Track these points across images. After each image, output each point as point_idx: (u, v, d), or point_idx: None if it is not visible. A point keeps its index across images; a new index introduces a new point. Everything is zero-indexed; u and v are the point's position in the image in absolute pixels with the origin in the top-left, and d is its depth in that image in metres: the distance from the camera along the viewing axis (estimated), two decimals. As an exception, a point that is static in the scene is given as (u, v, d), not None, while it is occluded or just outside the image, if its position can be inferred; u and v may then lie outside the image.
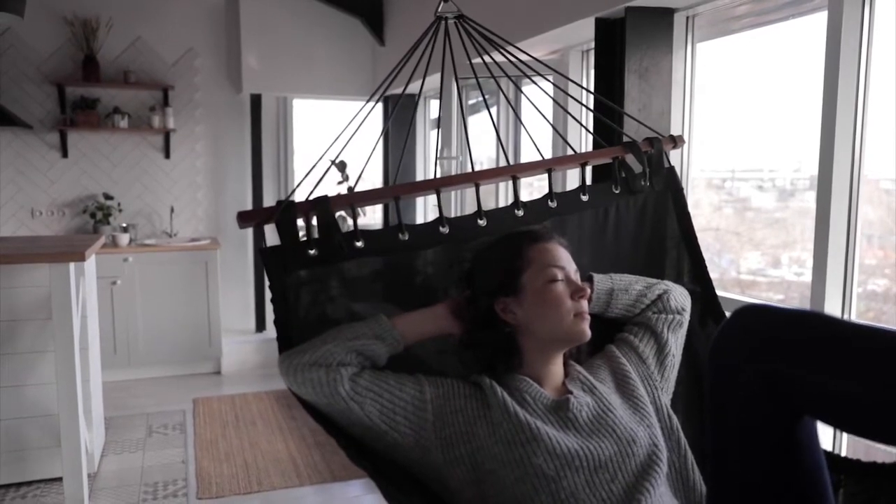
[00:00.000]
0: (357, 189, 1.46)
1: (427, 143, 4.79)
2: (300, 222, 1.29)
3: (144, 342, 4.44)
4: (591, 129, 1.75)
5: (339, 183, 4.39)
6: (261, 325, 5.05)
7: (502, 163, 3.42)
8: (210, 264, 4.55)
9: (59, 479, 2.85)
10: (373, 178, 5.09)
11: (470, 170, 1.48)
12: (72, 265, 2.71)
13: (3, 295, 2.79)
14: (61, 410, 2.71)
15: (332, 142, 1.43)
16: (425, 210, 4.64)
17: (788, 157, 2.12)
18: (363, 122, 1.43)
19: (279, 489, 2.99)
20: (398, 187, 1.40)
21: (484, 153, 3.90)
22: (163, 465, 3.22)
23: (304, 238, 1.28)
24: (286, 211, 1.26)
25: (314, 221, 1.29)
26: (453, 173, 3.42)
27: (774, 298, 2.19)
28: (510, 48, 1.54)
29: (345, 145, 1.40)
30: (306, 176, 1.39)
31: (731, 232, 2.36)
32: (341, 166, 4.47)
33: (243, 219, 1.28)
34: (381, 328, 1.19)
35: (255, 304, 5.06)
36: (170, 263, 4.48)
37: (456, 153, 3.74)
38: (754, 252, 2.28)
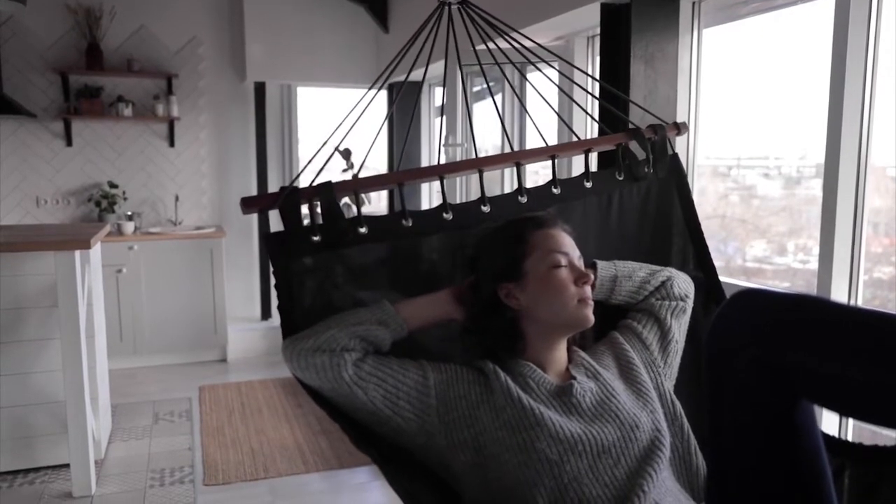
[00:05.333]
0: (361, 176, 1.46)
1: (431, 131, 4.78)
2: (304, 209, 1.29)
3: (150, 330, 4.46)
4: (596, 116, 1.74)
5: (344, 171, 4.38)
6: (266, 313, 5.06)
7: (507, 150, 3.40)
8: (215, 252, 4.56)
9: (67, 466, 2.88)
10: (377, 166, 5.08)
11: (475, 157, 1.48)
12: (77, 253, 2.71)
13: (8, 283, 2.80)
14: (68, 397, 2.72)
15: (335, 129, 1.43)
16: (430, 197, 4.63)
17: (794, 145, 2.11)
18: (365, 109, 1.43)
19: (285, 476, 3.01)
20: (402, 173, 1.40)
21: (489, 141, 3.89)
22: (169, 451, 3.25)
23: (308, 224, 1.28)
24: (290, 197, 1.26)
25: (318, 208, 1.29)
26: (459, 160, 3.41)
27: (780, 286, 2.19)
28: (514, 34, 1.52)
29: (347, 132, 1.40)
30: (309, 162, 1.39)
31: (737, 219, 2.35)
32: (346, 154, 4.46)
33: (247, 204, 1.28)
34: (384, 314, 1.20)
35: (261, 291, 5.07)
36: (175, 251, 4.49)
37: (461, 140, 3.73)
38: (760, 240, 2.27)
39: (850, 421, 1.73)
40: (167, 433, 3.46)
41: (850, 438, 1.69)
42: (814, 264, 1.85)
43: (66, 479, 2.85)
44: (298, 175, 1.42)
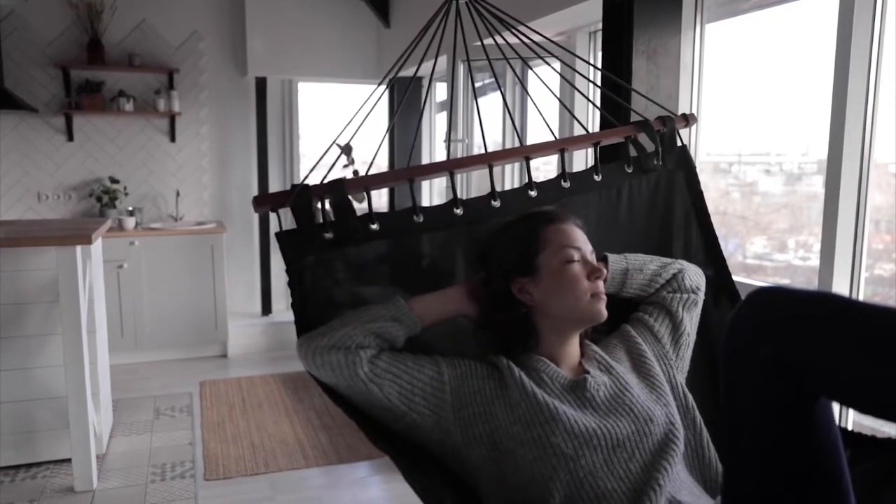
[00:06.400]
0: (363, 173, 1.46)
1: (433, 127, 4.78)
2: (316, 205, 1.29)
3: (151, 325, 4.47)
4: (601, 109, 1.73)
5: (345, 167, 4.38)
6: (266, 309, 5.06)
7: (509, 145, 3.40)
8: (216, 248, 4.56)
9: (68, 461, 2.89)
10: (378, 162, 5.07)
11: (476, 153, 1.48)
12: (78, 248, 2.72)
13: (10, 278, 2.80)
14: (70, 393, 2.73)
15: (343, 126, 1.43)
16: (430, 195, 4.63)
17: (796, 141, 2.10)
18: (374, 106, 1.43)
19: (286, 471, 3.02)
20: (412, 169, 1.40)
21: (489, 137, 3.88)
22: (170, 446, 3.25)
23: (320, 221, 1.28)
24: (301, 194, 1.26)
25: (328, 205, 1.28)
26: (460, 156, 3.40)
27: (780, 283, 2.18)
28: (522, 28, 1.53)
29: (356, 129, 1.40)
30: (319, 160, 1.39)
31: (738, 216, 2.35)
32: (347, 150, 4.45)
33: (259, 203, 1.28)
34: (398, 310, 1.20)
35: (261, 287, 5.07)
36: (176, 247, 4.49)
37: (462, 136, 3.72)
38: (760, 237, 2.27)
39: (850, 413, 1.73)
40: (168, 428, 3.47)
41: (857, 430, 1.68)
42: (814, 261, 1.85)
43: (68, 474, 2.86)
44: (309, 173, 1.43)
